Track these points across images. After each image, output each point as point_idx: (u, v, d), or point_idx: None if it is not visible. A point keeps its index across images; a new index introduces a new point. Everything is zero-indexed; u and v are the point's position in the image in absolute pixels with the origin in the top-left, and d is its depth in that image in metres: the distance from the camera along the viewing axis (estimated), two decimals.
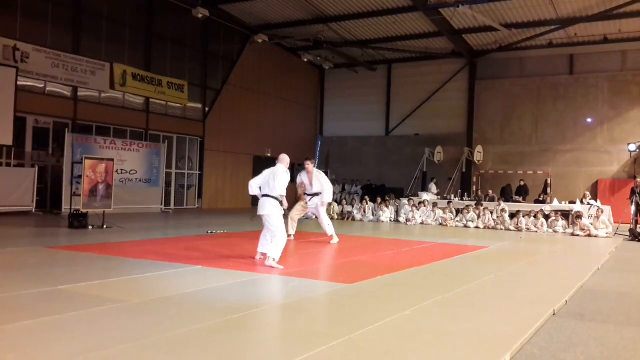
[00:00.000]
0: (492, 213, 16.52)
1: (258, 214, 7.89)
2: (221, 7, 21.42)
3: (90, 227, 11.73)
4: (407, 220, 17.19)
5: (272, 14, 22.07)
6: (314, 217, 11.40)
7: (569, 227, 15.22)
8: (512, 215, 16.15)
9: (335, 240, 10.65)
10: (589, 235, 14.02)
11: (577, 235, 14.19)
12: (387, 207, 18.09)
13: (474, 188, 23.36)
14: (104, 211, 12.41)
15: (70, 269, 6.70)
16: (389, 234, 13.69)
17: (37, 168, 15.69)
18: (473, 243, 11.56)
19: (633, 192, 15.79)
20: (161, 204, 19.12)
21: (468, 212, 16.65)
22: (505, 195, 20.02)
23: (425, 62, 25.88)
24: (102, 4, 18.40)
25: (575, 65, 23.25)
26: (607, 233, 14.19)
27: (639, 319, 5.09)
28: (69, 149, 15.93)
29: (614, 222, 15.77)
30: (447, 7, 19.13)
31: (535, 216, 15.65)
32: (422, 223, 17.04)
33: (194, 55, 22.21)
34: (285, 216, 8.61)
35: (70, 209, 12.32)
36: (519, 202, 18.92)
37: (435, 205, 17.57)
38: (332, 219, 15.47)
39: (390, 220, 17.76)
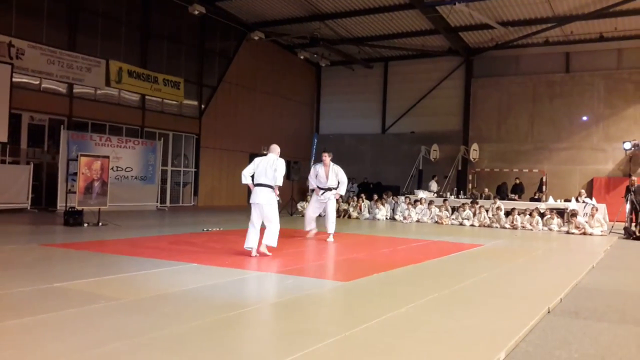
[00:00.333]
0: (487, 211, 16.55)
1: (253, 201, 8.02)
2: (217, 4, 21.37)
3: (85, 225, 11.70)
4: (404, 218, 17.21)
5: (268, 11, 22.04)
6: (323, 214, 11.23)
7: (564, 225, 15.27)
8: (508, 213, 16.19)
9: (331, 239, 10.56)
10: (584, 233, 14.06)
11: (572, 233, 14.23)
12: (383, 205, 18.10)
13: (470, 186, 23.40)
14: (99, 208, 12.38)
15: (66, 267, 6.68)
16: (385, 232, 13.70)
17: (32, 165, 15.64)
18: (468, 241, 11.59)
19: (628, 190, 15.84)
20: (157, 202, 19.08)
21: (464, 210, 16.69)
22: (501, 193, 20.06)
23: (421, 59, 25.89)
24: (97, 0, 18.34)
25: (571, 63, 23.29)
26: (602, 231, 14.24)
27: (634, 317, 5.12)
28: (65, 146, 15.87)
29: (609, 220, 15.82)
30: (443, 4, 19.11)
31: (530, 214, 15.69)
32: (418, 221, 17.07)
33: (190, 52, 22.16)
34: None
35: (66, 206, 12.30)
36: (515, 200, 18.96)
37: (431, 203, 17.59)
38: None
39: (387, 218, 17.78)
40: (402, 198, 18.43)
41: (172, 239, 10.01)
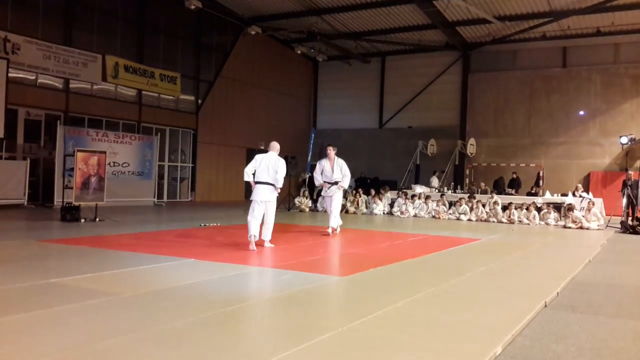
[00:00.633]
0: (484, 205, 16.57)
1: (257, 199, 8.26)
2: None
3: (82, 220, 11.69)
4: (401, 212, 17.22)
5: (265, 5, 21.98)
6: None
7: (560, 219, 15.30)
8: (505, 208, 16.22)
9: (330, 232, 10.62)
10: (581, 228, 14.09)
11: (569, 228, 14.26)
12: (380, 199, 18.11)
13: (467, 181, 23.43)
14: (96, 204, 12.37)
15: (63, 262, 6.68)
16: (383, 227, 13.72)
17: (28, 161, 15.61)
18: (465, 235, 11.61)
19: (625, 184, 15.88)
20: (154, 197, 19.06)
21: (460, 205, 16.71)
22: (498, 187, 20.10)
23: (418, 54, 25.86)
24: None
25: (568, 58, 23.29)
26: (598, 225, 14.27)
27: (630, 311, 5.14)
28: (61, 141, 15.84)
29: (606, 215, 15.86)
30: None
31: (527, 208, 15.71)
32: (415, 215, 17.09)
33: (187, 47, 22.10)
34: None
35: (63, 201, 12.28)
36: (512, 194, 18.98)
37: (428, 197, 17.60)
38: (324, 211, 15.50)
39: (384, 213, 17.80)
40: (399, 194, 18.42)
41: (170, 234, 10.01)
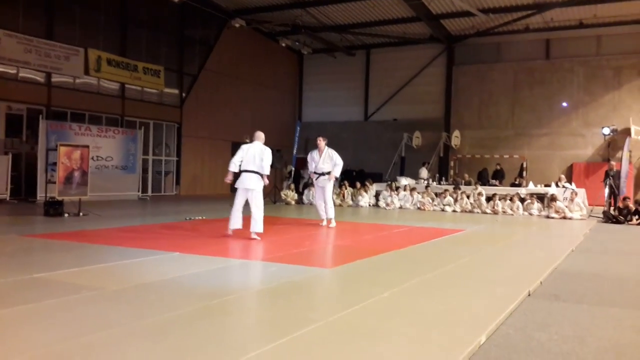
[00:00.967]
0: (469, 197, 16.68)
1: (240, 186, 8.43)
2: None
3: (66, 215, 11.59)
4: (386, 204, 17.29)
5: None
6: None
7: (544, 209, 15.46)
8: (489, 199, 16.34)
9: (333, 224, 10.83)
10: (564, 218, 14.25)
11: (552, 218, 14.41)
12: (366, 192, 18.16)
13: (452, 172, 23.56)
14: (79, 198, 12.26)
15: (46, 257, 6.62)
16: (368, 219, 13.77)
17: (10, 155, 15.39)
18: (450, 226, 11.69)
19: (607, 175, 16.09)
20: (138, 191, 18.92)
21: (445, 196, 16.81)
22: (482, 179, 20.23)
23: (403, 47, 25.90)
24: None
25: (551, 50, 23.48)
26: (581, 215, 14.44)
27: (612, 299, 5.21)
28: (43, 135, 15.65)
29: (589, 205, 16.05)
30: None
31: (511, 199, 15.85)
32: (400, 207, 17.16)
33: (170, 40, 21.93)
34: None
35: (46, 196, 12.16)
36: (496, 185, 19.13)
37: (413, 189, 17.67)
38: (310, 204, 15.54)
39: (370, 205, 17.85)
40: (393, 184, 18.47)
41: (155, 228, 9.96)
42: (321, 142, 11.12)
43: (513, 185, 19.07)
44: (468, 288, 5.40)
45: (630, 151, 18.02)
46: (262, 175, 8.46)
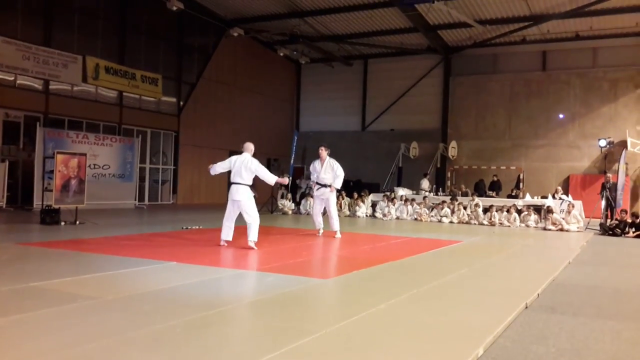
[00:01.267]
0: (465, 208, 16.69)
1: (230, 198, 8.56)
2: (196, 0, 21.21)
3: (62, 223, 11.55)
4: (383, 215, 17.28)
5: (247, 7, 21.95)
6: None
7: (540, 221, 15.46)
8: (486, 210, 16.35)
9: (338, 235, 10.74)
10: (561, 230, 14.26)
11: (549, 230, 14.42)
12: (363, 202, 18.16)
13: (449, 183, 23.59)
14: (76, 207, 12.22)
15: (42, 266, 6.59)
16: (365, 229, 13.76)
17: (7, 163, 15.36)
18: (447, 237, 11.68)
19: (603, 187, 16.12)
20: (135, 200, 18.89)
21: (442, 207, 16.82)
22: (479, 190, 20.25)
23: (400, 57, 26.00)
24: None
25: (548, 62, 23.60)
26: (578, 227, 14.45)
27: (610, 312, 5.21)
28: (41, 143, 15.62)
29: (585, 217, 16.06)
30: (422, 2, 19.20)
31: (508, 211, 15.86)
32: (397, 218, 17.16)
33: (169, 49, 21.98)
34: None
35: (42, 204, 12.13)
36: (492, 197, 19.15)
37: (413, 200, 17.67)
38: (307, 214, 15.52)
39: (366, 216, 17.84)
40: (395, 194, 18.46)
41: (151, 237, 9.93)
42: (323, 151, 10.98)
43: (510, 196, 19.09)
44: (465, 300, 5.39)
45: (626, 163, 18.08)
46: (251, 187, 8.55)
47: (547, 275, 6.82)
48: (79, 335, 3.76)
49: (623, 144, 20.48)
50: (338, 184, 10.94)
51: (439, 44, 24.11)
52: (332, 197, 10.99)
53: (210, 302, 4.87)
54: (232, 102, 24.67)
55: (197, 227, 11.84)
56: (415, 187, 21.63)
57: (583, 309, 5.22)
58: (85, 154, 13.09)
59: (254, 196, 8.68)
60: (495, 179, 21.27)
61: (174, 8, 19.33)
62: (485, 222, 15.87)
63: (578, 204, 16.19)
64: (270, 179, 8.65)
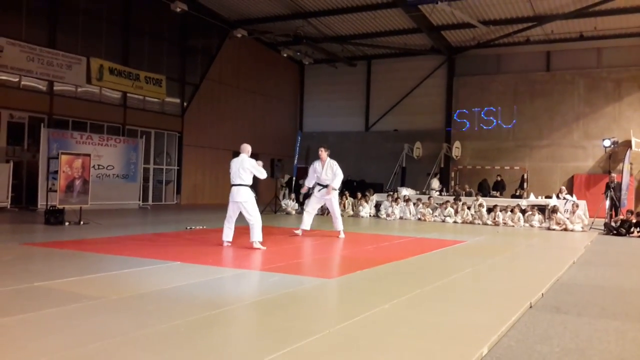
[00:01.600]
0: (469, 208, 16.67)
1: (231, 199, 8.68)
2: (199, 1, 21.27)
3: (66, 224, 11.58)
4: (387, 215, 17.27)
5: (251, 8, 21.96)
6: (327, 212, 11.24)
7: (545, 221, 15.43)
8: (490, 210, 16.32)
9: (342, 235, 10.72)
10: (565, 229, 14.22)
11: (553, 230, 14.39)
12: (366, 202, 18.15)
13: (452, 183, 23.56)
14: (80, 207, 12.25)
15: (47, 266, 6.61)
16: (369, 229, 13.74)
17: (12, 163, 15.41)
18: (451, 237, 11.66)
19: (608, 187, 16.08)
20: (139, 200, 18.93)
21: (446, 207, 16.80)
22: (483, 190, 20.22)
23: (404, 58, 25.97)
24: None
25: (552, 62, 23.54)
26: (582, 227, 14.41)
27: (613, 312, 5.19)
28: (45, 144, 15.68)
29: (589, 217, 16.03)
30: (425, 3, 19.19)
31: (512, 211, 15.83)
32: (401, 218, 17.14)
33: (172, 50, 22.01)
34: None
35: (46, 205, 12.15)
36: (496, 197, 19.12)
37: (419, 200, 17.67)
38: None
39: (370, 216, 17.83)
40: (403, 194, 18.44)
41: (155, 237, 9.94)
42: (323, 152, 10.91)
43: (514, 196, 19.06)
44: (469, 300, 5.39)
45: (631, 163, 18.02)
46: (251, 187, 8.66)
47: (551, 275, 6.81)
48: (83, 335, 3.77)
49: (627, 144, 20.41)
50: (336, 183, 10.85)
51: (442, 45, 24.08)
52: (335, 197, 10.93)
53: (214, 302, 4.88)
54: (235, 103, 24.69)
55: (201, 227, 11.85)
56: (419, 187, 21.64)
57: (587, 309, 5.21)
58: (89, 155, 13.11)
59: (255, 197, 8.76)
60: (499, 179, 21.24)
61: (178, 9, 19.37)
62: (489, 222, 15.84)
63: (582, 203, 16.16)
64: (262, 175, 8.76)
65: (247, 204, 8.53)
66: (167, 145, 21.83)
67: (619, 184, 16.69)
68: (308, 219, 10.90)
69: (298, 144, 23.36)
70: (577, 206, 15.04)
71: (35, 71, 16.47)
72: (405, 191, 19.25)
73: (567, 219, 14.60)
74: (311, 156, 27.83)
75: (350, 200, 18.53)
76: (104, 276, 5.94)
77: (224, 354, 3.51)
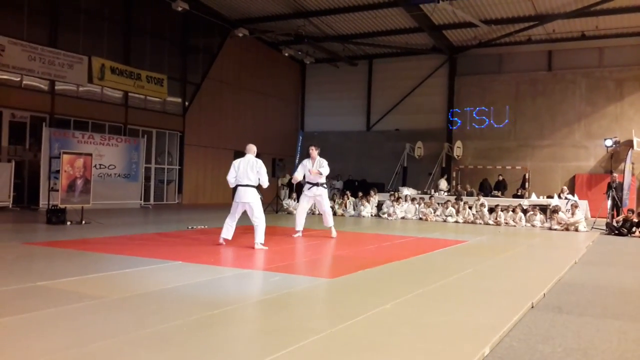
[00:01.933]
0: (471, 208, 16.66)
1: (238, 201, 8.58)
2: (201, 0, 21.26)
3: (68, 223, 11.59)
4: (388, 215, 17.27)
5: (252, 7, 21.95)
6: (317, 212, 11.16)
7: (546, 221, 15.42)
8: (491, 210, 16.32)
9: (334, 233, 10.69)
10: (567, 229, 14.21)
11: (555, 229, 14.38)
12: (368, 202, 18.15)
13: (454, 183, 23.54)
14: (82, 207, 12.27)
15: (48, 265, 6.62)
16: (370, 229, 13.73)
17: (13, 163, 15.43)
18: (453, 237, 11.66)
19: (609, 186, 16.06)
20: (140, 199, 18.94)
21: (447, 207, 16.79)
22: (484, 189, 20.21)
23: (405, 57, 25.98)
24: None
25: (554, 62, 23.52)
26: (585, 228, 14.37)
27: (615, 311, 5.19)
28: (47, 143, 15.69)
29: (591, 217, 16.01)
30: (427, 2, 19.18)
31: (513, 210, 15.83)
32: (402, 218, 17.14)
33: (174, 49, 22.02)
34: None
35: (48, 204, 12.18)
36: (498, 196, 19.11)
37: (421, 199, 17.67)
38: (312, 214, 15.48)
39: (371, 215, 17.83)
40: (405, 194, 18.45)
41: (157, 236, 9.95)
42: (313, 151, 10.81)
43: (515, 196, 19.05)
44: (471, 299, 5.38)
45: (632, 163, 17.99)
46: (257, 188, 8.62)
47: (553, 275, 6.80)
48: (85, 334, 3.77)
49: (629, 144, 20.40)
50: (324, 172, 10.66)
51: (444, 44, 24.07)
52: (325, 194, 10.85)
53: (216, 301, 4.88)
54: (237, 103, 24.70)
55: (202, 226, 11.85)
56: (421, 187, 21.64)
57: (589, 309, 5.20)
58: (91, 154, 13.12)
59: (260, 198, 8.74)
60: (500, 178, 21.22)
61: (179, 9, 19.37)
62: (490, 221, 15.84)
63: (584, 203, 16.15)
64: (266, 183, 8.66)
65: (253, 205, 8.51)
66: (168, 145, 21.84)
67: (621, 184, 16.68)
68: (300, 220, 10.87)
69: (299, 144, 23.33)
70: (576, 206, 15.01)
71: (36, 70, 16.49)
72: (406, 191, 19.24)
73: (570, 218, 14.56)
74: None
75: (352, 200, 18.52)
76: (106, 276, 5.95)
77: (226, 353, 3.51)
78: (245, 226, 8.80)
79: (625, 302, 5.75)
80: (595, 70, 22.68)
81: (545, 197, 17.51)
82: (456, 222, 16.27)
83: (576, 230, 14.11)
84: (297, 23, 22.85)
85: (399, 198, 17.86)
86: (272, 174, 18.57)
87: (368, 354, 3.55)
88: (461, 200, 17.21)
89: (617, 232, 13.63)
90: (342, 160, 26.43)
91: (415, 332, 4.11)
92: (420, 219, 16.86)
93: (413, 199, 17.74)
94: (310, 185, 10.76)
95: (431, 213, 16.92)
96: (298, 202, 18.50)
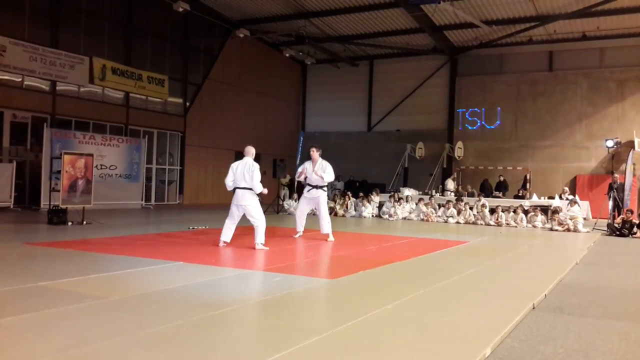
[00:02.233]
0: (472, 208, 16.65)
1: (236, 203, 8.60)
2: (202, 1, 21.27)
3: (69, 223, 11.60)
4: (389, 215, 17.27)
5: (253, 8, 21.97)
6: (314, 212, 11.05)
7: (547, 222, 15.41)
8: (492, 211, 16.31)
9: (331, 238, 10.34)
10: (568, 230, 14.20)
11: (556, 230, 14.37)
12: (369, 202, 18.15)
13: (455, 183, 23.51)
14: (83, 207, 12.28)
15: (50, 266, 6.62)
16: (371, 229, 13.74)
17: (15, 163, 15.43)
18: (454, 238, 11.65)
19: (611, 187, 16.05)
20: (142, 200, 18.95)
21: (449, 208, 16.79)
22: (484, 190, 20.20)
23: (406, 58, 25.98)
24: None
25: (555, 62, 23.51)
26: (586, 229, 14.35)
27: (617, 312, 5.18)
28: (48, 144, 15.69)
29: (592, 217, 16.00)
30: (428, 3, 19.16)
31: (514, 211, 15.82)
32: (404, 218, 17.13)
33: (175, 50, 22.03)
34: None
35: (49, 204, 12.18)
36: (499, 197, 19.09)
37: (421, 200, 17.66)
38: (313, 214, 15.45)
39: (372, 216, 17.82)
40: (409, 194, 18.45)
41: (158, 237, 9.95)
42: (314, 152, 10.62)
43: (516, 197, 19.03)
44: (472, 300, 5.38)
45: (634, 164, 17.99)
46: (252, 190, 8.58)
47: (554, 276, 6.80)
48: (86, 334, 3.77)
49: (630, 145, 20.39)
50: (328, 178, 10.55)
51: (445, 45, 24.06)
52: (323, 198, 10.62)
53: (217, 302, 4.88)
54: (238, 103, 24.71)
55: (203, 227, 11.85)
56: (422, 188, 21.62)
57: (590, 310, 5.20)
58: (92, 155, 13.13)
59: (259, 199, 8.75)
60: (501, 179, 21.22)
61: (180, 9, 19.39)
62: (492, 222, 15.83)
63: (585, 204, 16.14)
64: (258, 188, 8.51)
65: (251, 207, 8.51)
66: (169, 145, 21.85)
67: (622, 185, 16.67)
68: (300, 221, 10.83)
69: (300, 144, 23.37)
70: (575, 203, 14.98)
71: (37, 71, 16.50)
72: (407, 191, 19.24)
73: (569, 212, 14.54)
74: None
75: (352, 200, 18.52)
76: (107, 276, 5.95)
77: (227, 354, 3.51)
78: (246, 227, 8.79)
79: (626, 303, 5.74)
80: (596, 71, 22.67)
81: (546, 198, 17.50)
82: (457, 222, 16.26)
83: (576, 230, 14.09)
84: (298, 24, 22.86)
85: (399, 199, 17.85)
86: (273, 175, 18.61)
87: (369, 355, 3.54)
88: (462, 200, 17.20)
89: (618, 233, 13.62)
90: (343, 160, 26.41)
91: (416, 333, 4.11)
92: (422, 219, 16.85)
93: (420, 199, 17.69)
94: (310, 188, 10.70)
95: (433, 213, 16.90)
96: (298, 202, 18.61)
